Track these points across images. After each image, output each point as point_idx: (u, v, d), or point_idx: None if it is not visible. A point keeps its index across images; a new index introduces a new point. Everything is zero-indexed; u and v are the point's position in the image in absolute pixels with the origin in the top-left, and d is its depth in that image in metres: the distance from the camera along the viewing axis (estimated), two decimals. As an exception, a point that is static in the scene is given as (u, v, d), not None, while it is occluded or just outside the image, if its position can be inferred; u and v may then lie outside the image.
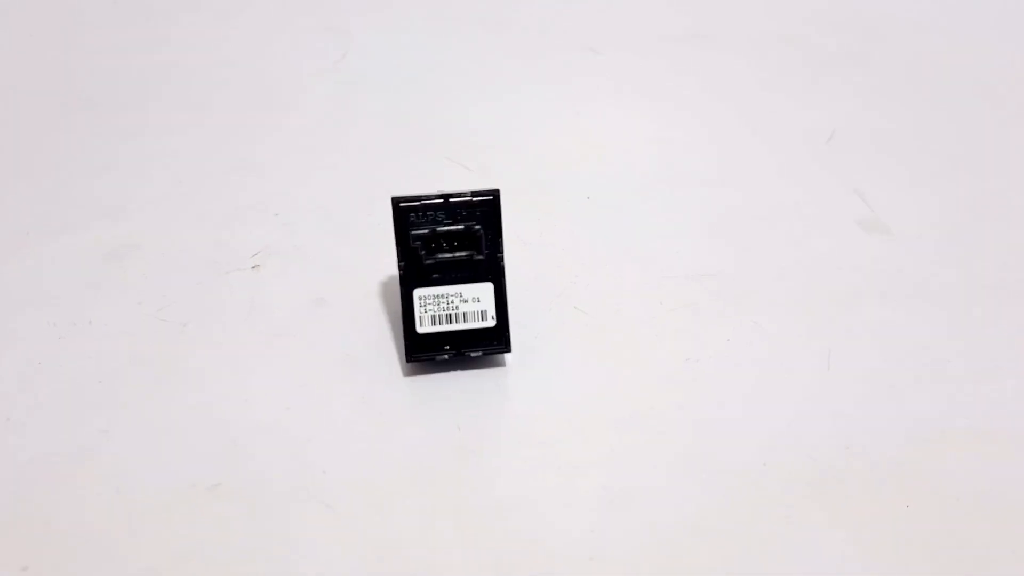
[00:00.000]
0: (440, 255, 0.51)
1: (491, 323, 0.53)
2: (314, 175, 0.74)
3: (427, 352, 0.52)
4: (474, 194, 0.52)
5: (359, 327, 0.58)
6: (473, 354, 0.53)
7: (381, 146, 0.78)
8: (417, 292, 0.52)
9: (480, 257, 0.52)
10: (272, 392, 0.53)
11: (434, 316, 0.52)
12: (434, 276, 0.52)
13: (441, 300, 0.52)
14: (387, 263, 0.62)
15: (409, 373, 0.54)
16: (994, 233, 0.67)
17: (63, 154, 0.77)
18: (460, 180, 0.73)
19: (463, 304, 0.52)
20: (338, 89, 0.87)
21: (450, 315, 0.52)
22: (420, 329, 0.52)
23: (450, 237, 0.51)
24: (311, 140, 0.79)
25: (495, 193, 0.52)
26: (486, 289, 0.52)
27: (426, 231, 0.51)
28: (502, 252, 0.52)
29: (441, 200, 0.51)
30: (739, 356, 0.56)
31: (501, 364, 0.55)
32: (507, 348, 0.53)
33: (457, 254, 0.51)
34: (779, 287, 0.61)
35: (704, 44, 0.97)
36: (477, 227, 0.51)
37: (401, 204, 0.51)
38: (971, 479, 0.47)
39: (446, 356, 0.53)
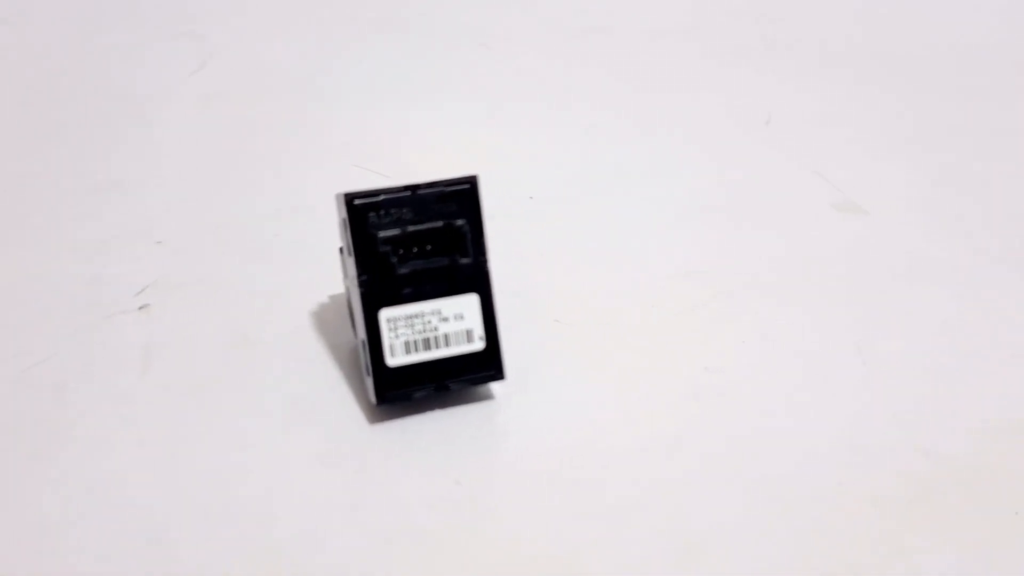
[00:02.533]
0: (416, 262, 0.40)
1: (479, 345, 0.42)
2: (195, 193, 0.61)
3: (401, 389, 0.41)
4: (447, 183, 0.41)
5: (300, 368, 0.46)
6: (458, 387, 0.42)
7: (273, 157, 0.66)
8: (385, 313, 0.40)
9: (466, 261, 0.41)
10: (200, 463, 0.40)
11: (408, 343, 0.41)
12: (405, 291, 0.41)
13: (416, 321, 0.41)
14: (315, 284, 0.51)
15: (377, 419, 0.42)
16: (966, 200, 0.62)
17: None
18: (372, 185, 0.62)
19: (443, 324, 0.41)
20: (205, 99, 0.74)
21: (428, 340, 0.41)
22: (391, 361, 0.41)
23: (425, 238, 0.40)
24: (184, 155, 0.66)
25: (472, 181, 0.41)
26: (470, 303, 0.42)
27: (396, 232, 0.40)
28: (486, 254, 0.42)
29: (408, 193, 0.40)
30: (761, 359, 0.47)
31: (488, 396, 0.44)
32: (500, 375, 0.42)
33: (436, 260, 0.40)
34: (774, 279, 0.54)
35: (602, 38, 0.90)
36: (460, 222, 0.40)
37: (357, 201, 0.40)
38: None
39: (425, 392, 0.41)
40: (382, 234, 0.39)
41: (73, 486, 0.39)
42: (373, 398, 0.41)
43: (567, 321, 0.49)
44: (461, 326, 0.41)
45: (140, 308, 0.49)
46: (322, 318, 0.49)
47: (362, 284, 0.40)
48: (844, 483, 0.40)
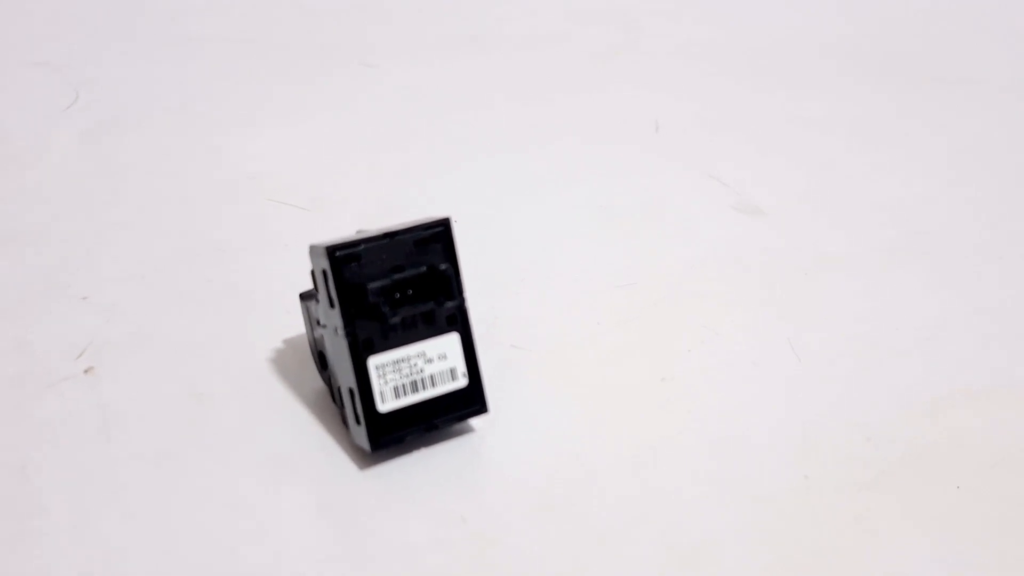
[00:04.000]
0: (405, 309, 0.40)
1: (463, 383, 0.43)
2: (104, 240, 0.58)
3: (393, 433, 0.41)
4: (423, 227, 0.41)
5: (270, 420, 0.45)
6: (446, 425, 0.43)
7: (175, 193, 0.64)
8: (373, 361, 0.41)
9: (451, 304, 0.41)
10: (196, 532, 0.39)
11: (396, 388, 0.41)
12: (391, 337, 0.41)
13: (403, 365, 0.41)
14: (263, 329, 0.50)
15: (366, 465, 0.43)
16: (850, 192, 0.67)
17: None
18: (300, 222, 0.61)
19: (428, 365, 0.42)
20: (88, 135, 0.71)
21: (415, 382, 0.42)
22: (382, 407, 0.41)
23: (410, 284, 0.41)
24: (79, 198, 0.63)
25: (446, 223, 0.42)
26: (451, 342, 0.42)
27: (385, 282, 0.40)
28: (463, 293, 0.43)
29: (386, 240, 0.41)
30: (709, 365, 0.50)
31: (468, 429, 0.45)
32: (484, 408, 0.43)
33: (422, 305, 0.41)
34: (697, 284, 0.57)
35: (476, 47, 0.91)
36: (444, 267, 0.41)
37: (339, 253, 0.40)
38: (1001, 437, 0.46)
39: (416, 434, 0.42)
40: (372, 285, 0.39)
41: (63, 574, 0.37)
42: (367, 445, 0.41)
43: (524, 346, 0.51)
44: (445, 365, 0.42)
45: (85, 372, 0.47)
46: (280, 364, 0.49)
47: (349, 335, 0.40)
48: (810, 476, 0.43)
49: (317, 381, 0.47)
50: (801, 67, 0.89)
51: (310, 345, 0.47)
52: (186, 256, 0.57)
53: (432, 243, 0.41)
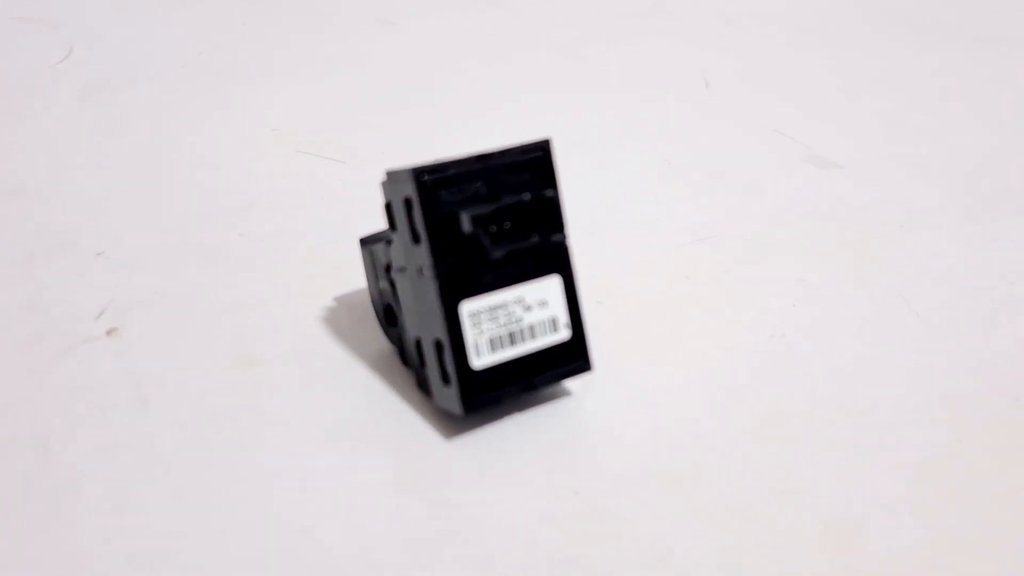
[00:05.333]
0: (508, 244, 0.34)
1: (565, 335, 0.36)
2: (120, 194, 0.52)
3: (490, 394, 0.35)
4: (520, 150, 0.35)
5: (331, 386, 0.38)
6: (546, 384, 0.36)
7: (192, 147, 0.57)
8: (467, 307, 0.34)
9: (558, 238, 0.35)
10: (262, 514, 0.33)
11: (492, 339, 0.35)
12: (485, 279, 0.35)
13: (499, 313, 0.35)
14: (308, 287, 0.44)
15: (452, 432, 0.36)
16: (922, 148, 0.62)
17: None
18: (334, 174, 0.55)
19: (527, 313, 0.36)
20: (86, 90, 0.64)
21: (512, 333, 0.35)
22: (477, 363, 0.35)
23: (509, 215, 0.34)
24: (87, 153, 0.56)
25: (545, 147, 0.36)
26: (553, 286, 0.36)
27: (487, 209, 0.33)
28: (564, 230, 0.36)
29: (480, 165, 0.34)
30: (818, 321, 0.44)
31: (562, 391, 0.39)
32: (588, 365, 0.37)
33: (525, 240, 0.35)
34: (782, 237, 0.51)
35: (495, 4, 0.85)
36: (551, 193, 0.35)
37: (427, 177, 0.33)
38: None
39: (513, 394, 0.36)
40: (469, 213, 0.33)
41: (108, 563, 0.31)
42: (458, 408, 0.35)
43: (609, 303, 0.45)
44: (546, 314, 0.36)
45: (108, 333, 0.40)
46: (334, 323, 0.42)
47: (440, 275, 0.34)
48: (963, 441, 0.38)
49: (379, 341, 0.41)
50: (838, 26, 0.84)
51: (372, 299, 0.41)
52: (211, 210, 0.50)
53: (530, 169, 0.35)
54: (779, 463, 0.36)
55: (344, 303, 0.43)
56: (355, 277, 0.44)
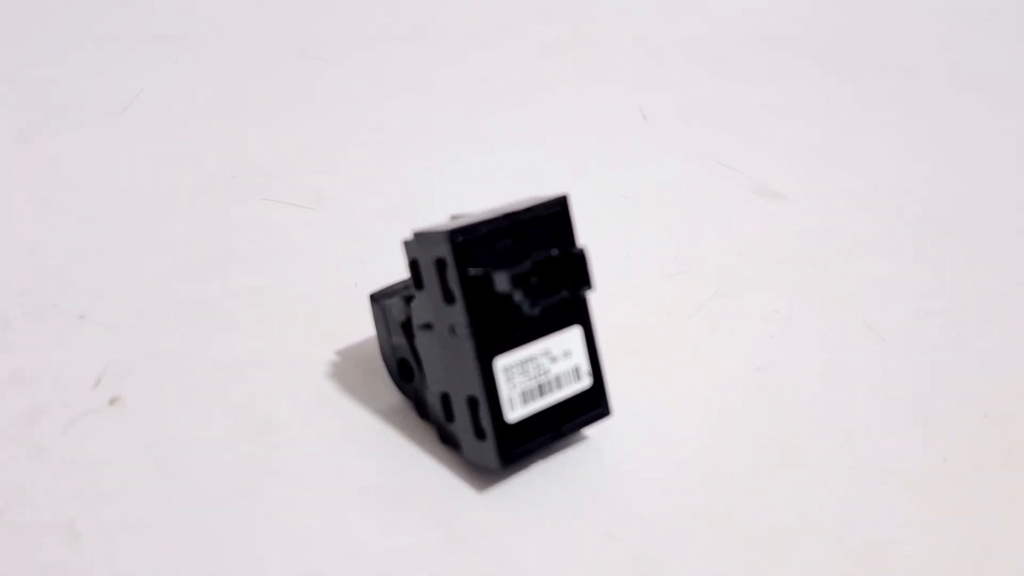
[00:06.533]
0: (542, 300, 0.35)
1: (587, 383, 0.38)
2: (84, 249, 0.50)
3: (521, 445, 0.36)
4: (541, 206, 0.36)
5: (353, 445, 0.38)
6: (571, 432, 0.38)
7: (149, 195, 0.55)
8: (500, 362, 0.35)
9: (588, 291, 0.36)
10: (312, 580, 0.33)
11: (524, 392, 0.36)
12: (516, 334, 0.35)
13: (529, 366, 0.36)
14: (310, 344, 0.44)
15: (483, 485, 0.37)
16: (853, 176, 0.66)
17: None
18: (300, 222, 0.54)
19: (553, 364, 0.37)
20: (20, 134, 0.61)
21: (541, 385, 0.36)
22: (511, 416, 0.35)
23: (540, 271, 0.35)
24: (33, 203, 0.53)
25: (563, 202, 0.37)
26: (574, 337, 0.37)
27: (523, 269, 0.34)
28: (592, 284, 0.37)
29: (507, 221, 0.35)
30: (797, 351, 0.47)
31: (580, 435, 0.40)
32: (607, 411, 0.39)
33: (555, 296, 0.35)
34: (751, 269, 0.54)
35: (423, 41, 0.86)
36: (579, 250, 0.36)
37: (460, 238, 0.34)
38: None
39: (547, 443, 0.37)
40: (511, 272, 0.34)
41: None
42: (495, 462, 0.35)
43: (602, 339, 0.46)
44: (569, 364, 0.37)
45: (111, 403, 0.39)
46: (342, 380, 0.42)
47: (475, 333, 0.34)
48: (948, 459, 0.41)
49: (391, 394, 0.41)
50: (758, 57, 0.88)
51: (384, 354, 0.41)
52: (186, 263, 0.49)
53: (551, 224, 0.36)
54: (792, 489, 0.38)
55: (347, 357, 0.43)
56: (351, 329, 0.44)
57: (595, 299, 0.49)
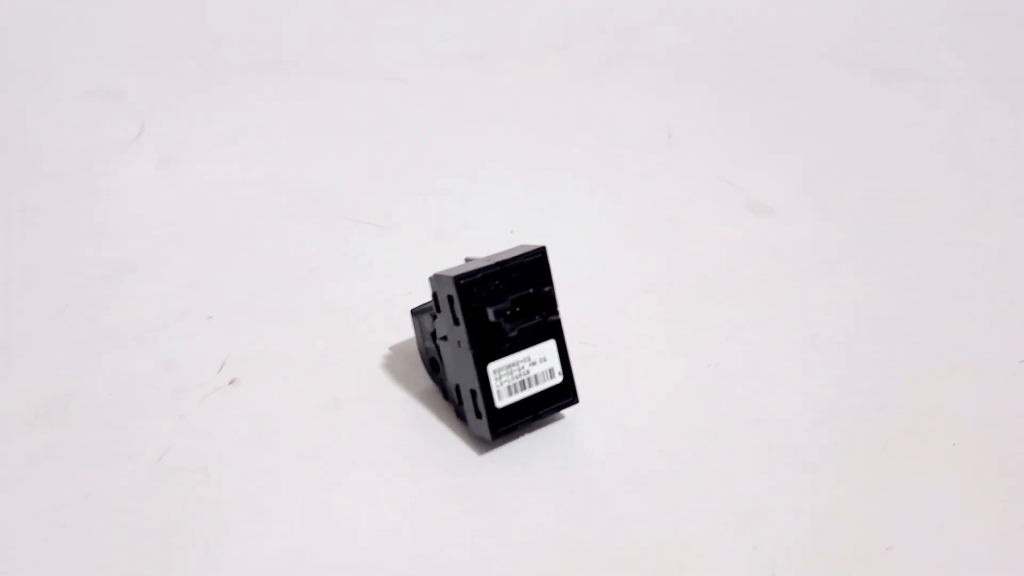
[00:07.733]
0: (518, 324, 0.50)
1: (559, 379, 0.52)
2: (207, 265, 0.67)
3: (507, 424, 0.51)
4: (525, 255, 0.51)
5: (397, 420, 0.54)
6: (547, 415, 0.52)
7: (256, 218, 0.72)
8: (492, 367, 0.50)
9: (553, 318, 0.51)
10: (368, 525, 0.49)
11: (510, 387, 0.51)
12: (504, 346, 0.51)
13: (514, 368, 0.51)
14: (370, 341, 0.59)
15: (483, 451, 0.52)
16: (836, 191, 0.78)
17: None
18: (372, 238, 0.70)
19: (532, 367, 0.52)
20: (163, 163, 0.78)
21: (523, 381, 0.51)
22: (499, 404, 0.51)
23: (521, 303, 0.50)
24: (171, 226, 0.71)
25: (542, 251, 0.51)
26: (550, 347, 0.52)
27: (504, 305, 0.49)
28: (557, 307, 0.52)
29: (498, 268, 0.50)
30: (744, 352, 0.60)
31: (558, 417, 0.55)
32: (575, 400, 0.53)
33: (530, 320, 0.50)
34: (724, 283, 0.67)
35: (478, 63, 1.00)
36: (548, 289, 0.51)
37: (463, 281, 0.49)
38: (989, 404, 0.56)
39: (527, 423, 0.52)
40: (495, 308, 0.49)
41: (259, 556, 0.46)
42: (488, 435, 0.51)
43: (589, 343, 0.61)
44: (545, 366, 0.52)
45: (230, 383, 0.56)
46: (391, 371, 0.58)
47: (474, 347, 0.49)
48: (837, 443, 0.54)
49: (425, 381, 0.56)
50: (764, 70, 0.99)
51: (420, 353, 0.56)
52: (282, 276, 0.65)
53: (532, 268, 0.51)
54: (712, 464, 0.52)
55: (397, 352, 0.59)
56: (398, 333, 0.60)
57: (586, 307, 0.64)
